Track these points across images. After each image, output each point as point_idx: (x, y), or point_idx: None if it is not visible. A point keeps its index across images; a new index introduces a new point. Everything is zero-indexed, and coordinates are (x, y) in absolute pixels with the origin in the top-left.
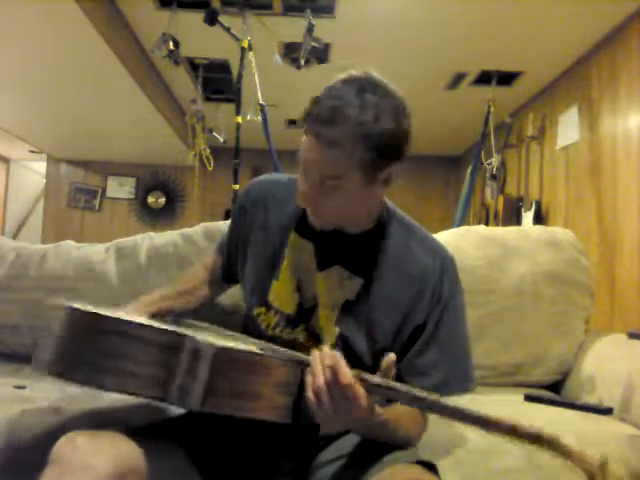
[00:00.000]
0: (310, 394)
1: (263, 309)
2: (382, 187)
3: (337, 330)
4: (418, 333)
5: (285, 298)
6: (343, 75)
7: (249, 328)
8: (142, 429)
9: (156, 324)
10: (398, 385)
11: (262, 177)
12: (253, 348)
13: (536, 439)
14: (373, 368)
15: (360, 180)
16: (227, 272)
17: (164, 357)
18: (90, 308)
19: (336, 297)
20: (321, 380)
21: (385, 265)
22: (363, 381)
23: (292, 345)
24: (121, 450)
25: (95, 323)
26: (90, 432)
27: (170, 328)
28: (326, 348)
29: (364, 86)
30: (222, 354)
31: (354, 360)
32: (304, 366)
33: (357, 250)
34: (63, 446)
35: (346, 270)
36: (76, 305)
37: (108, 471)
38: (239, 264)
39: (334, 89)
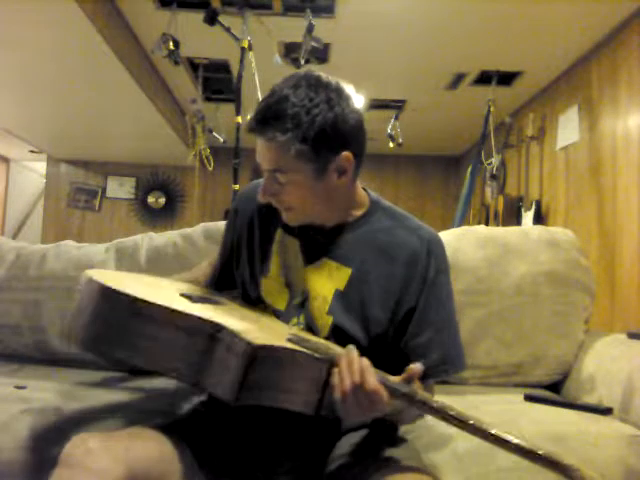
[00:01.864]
0: (337, 394)
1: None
2: (340, 178)
3: (331, 319)
4: (410, 315)
5: (275, 294)
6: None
7: None
8: (152, 430)
9: (194, 309)
10: (419, 395)
11: (254, 181)
12: (284, 339)
13: (540, 459)
14: (370, 354)
15: (309, 172)
16: (221, 277)
17: (200, 344)
18: (125, 281)
19: (327, 288)
20: (348, 384)
21: (373, 252)
22: (387, 387)
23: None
24: (134, 453)
25: (134, 307)
26: (102, 434)
27: (207, 316)
28: (354, 351)
29: (298, 82)
30: (254, 351)
31: (349, 343)
32: (332, 364)
33: (342, 241)
34: (75, 448)
35: (334, 261)
36: (111, 284)
37: (121, 475)
38: (234, 265)
39: (273, 89)
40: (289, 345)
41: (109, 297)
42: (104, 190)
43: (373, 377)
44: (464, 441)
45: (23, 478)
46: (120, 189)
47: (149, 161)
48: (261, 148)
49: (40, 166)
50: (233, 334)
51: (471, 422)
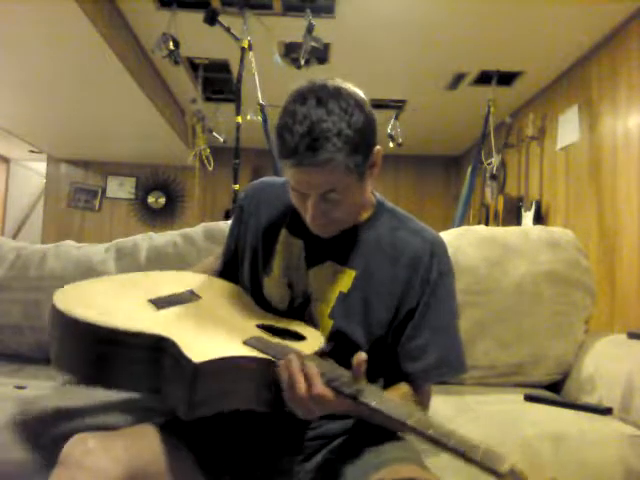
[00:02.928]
0: (287, 400)
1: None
2: (372, 171)
3: (332, 323)
4: (410, 317)
5: (278, 295)
6: (292, 94)
7: None
8: (151, 429)
9: (145, 320)
10: (365, 394)
11: (260, 179)
12: (241, 340)
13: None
14: (371, 357)
15: (356, 177)
16: (224, 275)
17: (149, 359)
18: (87, 294)
19: (330, 290)
20: (294, 392)
21: (377, 254)
22: (332, 388)
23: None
24: (133, 452)
25: (88, 332)
26: (101, 433)
27: (152, 329)
28: (296, 353)
29: (320, 96)
30: (196, 369)
31: (351, 351)
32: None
33: (347, 243)
34: (74, 447)
35: (338, 264)
36: (75, 313)
37: (120, 474)
38: (238, 264)
39: (296, 113)
40: (240, 350)
41: (63, 322)
42: (104, 190)
43: (317, 381)
44: None
45: (23, 478)
46: (120, 189)
47: (149, 161)
48: (309, 176)
49: (40, 166)
50: (177, 349)
51: (408, 423)
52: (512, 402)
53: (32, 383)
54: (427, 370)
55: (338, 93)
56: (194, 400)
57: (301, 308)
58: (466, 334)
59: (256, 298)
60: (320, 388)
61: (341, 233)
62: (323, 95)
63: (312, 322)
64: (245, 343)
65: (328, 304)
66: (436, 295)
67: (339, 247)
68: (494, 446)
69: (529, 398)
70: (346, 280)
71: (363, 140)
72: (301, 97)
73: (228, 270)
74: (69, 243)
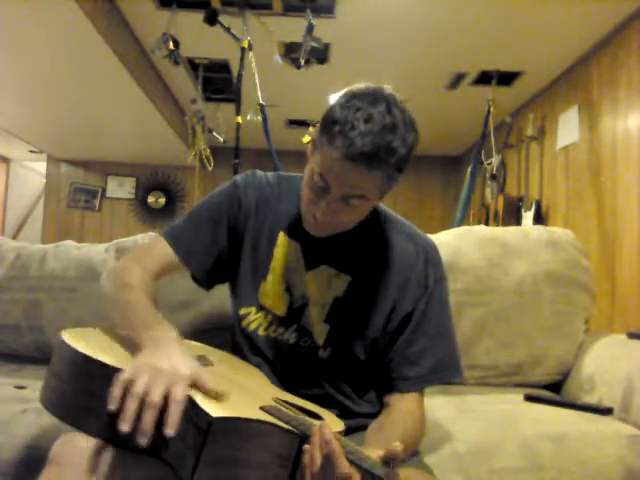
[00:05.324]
0: (306, 476)
1: (253, 309)
2: (387, 194)
3: (327, 327)
4: (406, 322)
5: (275, 299)
6: (362, 88)
7: (238, 330)
8: None
9: None
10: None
11: (252, 173)
12: (258, 406)
13: None
14: (366, 362)
15: (380, 193)
16: (209, 276)
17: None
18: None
19: (326, 295)
20: (318, 466)
21: (371, 260)
22: (360, 469)
23: (300, 408)
24: (122, 451)
25: (103, 373)
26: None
27: None
28: (328, 428)
29: (389, 105)
30: (211, 424)
31: (347, 355)
32: (302, 440)
33: (343, 248)
34: (62, 446)
35: (333, 268)
36: (82, 349)
37: (108, 473)
38: (229, 263)
39: (362, 110)
40: (258, 415)
41: (77, 363)
42: (104, 190)
43: (344, 462)
44: (464, 441)
45: (23, 477)
46: (120, 189)
47: (149, 161)
48: (348, 172)
49: (40, 166)
50: (194, 403)
51: None
52: (512, 402)
53: (32, 383)
54: (425, 375)
55: (404, 109)
56: (204, 458)
57: (299, 311)
58: (466, 334)
59: (249, 303)
60: (346, 468)
61: (336, 237)
62: (392, 105)
63: (309, 326)
64: (263, 409)
65: (324, 309)
66: (432, 301)
67: (334, 251)
68: (494, 446)
69: (529, 398)
70: (341, 285)
71: (405, 163)
72: (371, 97)
73: (209, 278)
74: (69, 243)
